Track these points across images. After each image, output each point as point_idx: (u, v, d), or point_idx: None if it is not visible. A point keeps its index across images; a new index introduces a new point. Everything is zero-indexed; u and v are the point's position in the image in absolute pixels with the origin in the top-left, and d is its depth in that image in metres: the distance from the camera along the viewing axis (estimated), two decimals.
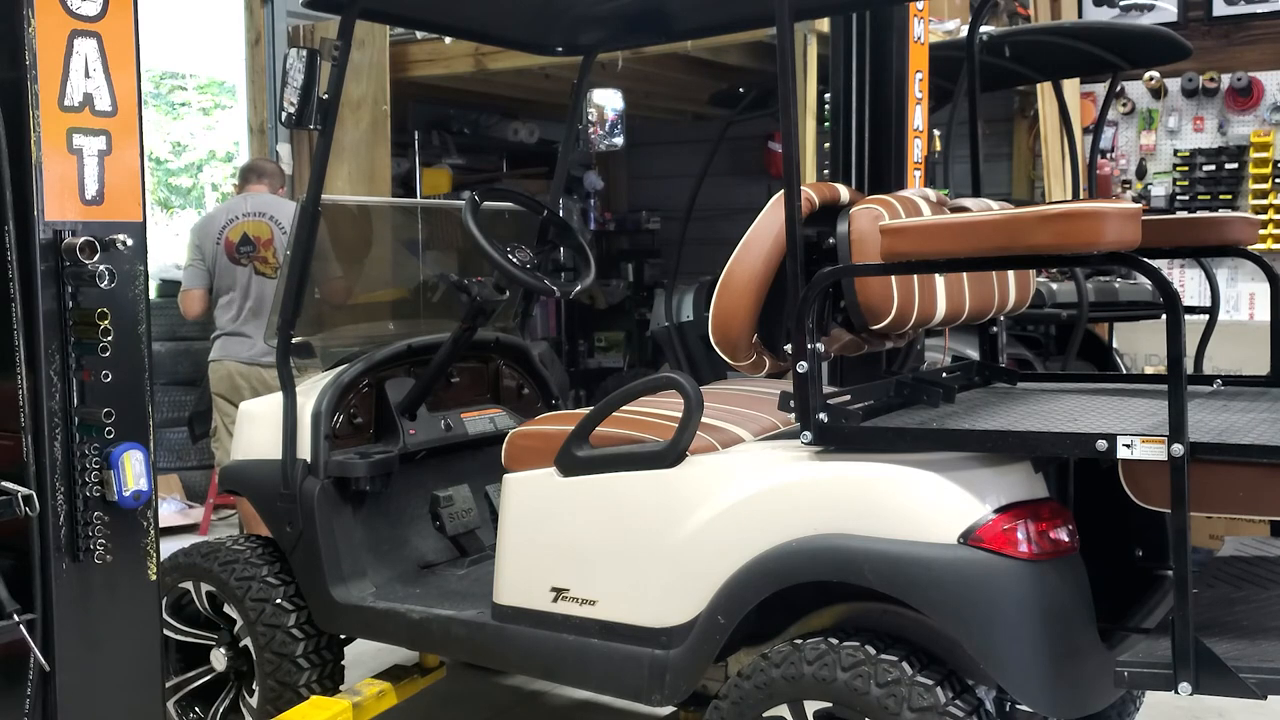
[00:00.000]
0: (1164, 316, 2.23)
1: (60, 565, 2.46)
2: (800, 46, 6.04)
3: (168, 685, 3.51)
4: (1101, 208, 2.26)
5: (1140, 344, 8.12)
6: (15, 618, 2.38)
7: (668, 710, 3.06)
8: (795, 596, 2.67)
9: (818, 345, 2.61)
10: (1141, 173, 9.18)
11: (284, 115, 3.30)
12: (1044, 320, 5.96)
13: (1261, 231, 8.50)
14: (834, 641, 2.53)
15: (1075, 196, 6.62)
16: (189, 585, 3.61)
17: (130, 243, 2.50)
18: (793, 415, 2.65)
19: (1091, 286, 5.97)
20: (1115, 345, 6.91)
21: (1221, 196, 8.85)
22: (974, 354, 3.65)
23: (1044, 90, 7.69)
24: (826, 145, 4.75)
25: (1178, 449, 2.23)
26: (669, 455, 2.79)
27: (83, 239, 2.39)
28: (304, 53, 3.26)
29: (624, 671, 2.83)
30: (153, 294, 3.92)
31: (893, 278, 2.80)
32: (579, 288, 3.74)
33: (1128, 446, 2.30)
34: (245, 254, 5.51)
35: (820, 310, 2.77)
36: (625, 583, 2.85)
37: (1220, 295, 5.27)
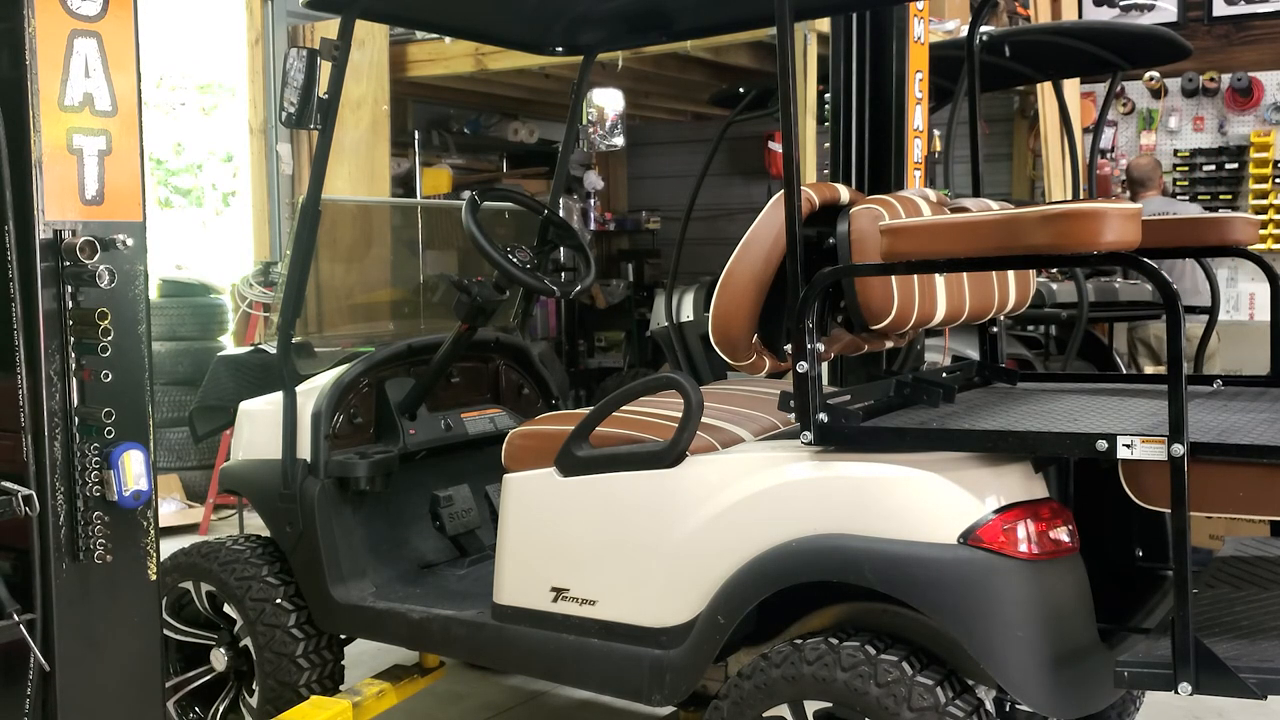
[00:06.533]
0: (1164, 316, 2.23)
1: (60, 565, 2.46)
2: (800, 46, 6.05)
3: (168, 685, 3.51)
4: (1101, 208, 2.26)
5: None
6: (15, 618, 2.38)
7: (668, 710, 3.07)
8: (795, 596, 2.67)
9: (818, 345, 2.61)
10: None
11: (284, 115, 3.29)
12: (1044, 320, 5.97)
13: (1261, 231, 8.51)
14: (834, 641, 2.53)
15: (1075, 196, 6.63)
16: (189, 585, 3.61)
17: (130, 243, 2.50)
18: (793, 415, 2.65)
19: (1091, 286, 5.98)
20: (1115, 345, 6.92)
21: (1221, 196, 8.86)
22: (974, 354, 3.65)
23: (1044, 90, 7.69)
24: (826, 145, 4.74)
25: (1178, 449, 2.23)
26: (669, 455, 2.79)
27: (83, 239, 2.39)
28: (304, 53, 3.26)
29: (624, 671, 2.83)
30: (153, 294, 3.91)
31: (893, 278, 2.80)
32: (579, 288, 3.74)
33: (1128, 446, 2.30)
34: None
35: (820, 310, 2.77)
36: (625, 583, 2.85)
37: (1220, 295, 5.27)
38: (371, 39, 7.21)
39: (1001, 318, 3.40)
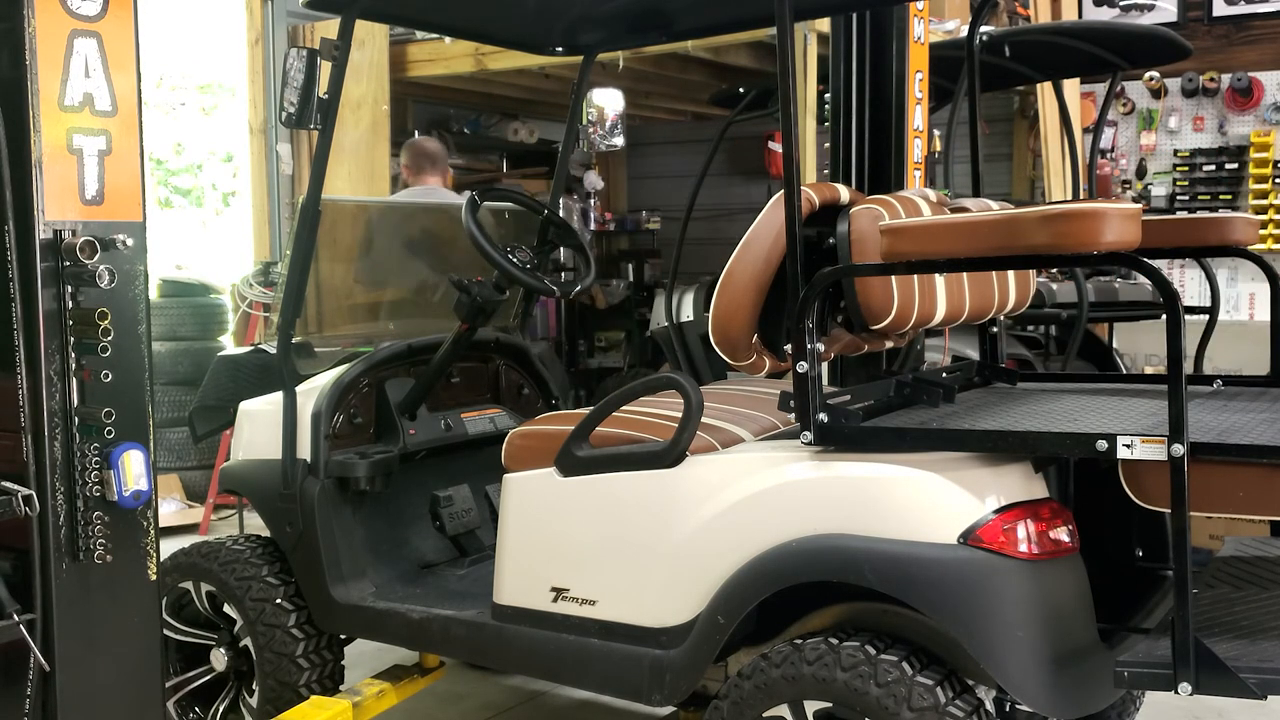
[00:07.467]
0: (1164, 316, 2.23)
1: (60, 565, 2.46)
2: (800, 46, 6.04)
3: (168, 685, 3.51)
4: (1101, 208, 2.26)
5: (1140, 344, 8.13)
6: (15, 618, 2.38)
7: (668, 710, 3.07)
8: (795, 596, 2.67)
9: (818, 345, 2.61)
10: (1141, 173, 9.18)
11: (284, 115, 3.29)
12: (1044, 320, 5.97)
13: (1261, 231, 8.51)
14: (834, 641, 2.53)
15: (1075, 196, 6.62)
16: (189, 585, 3.61)
17: (130, 243, 2.50)
18: (793, 415, 2.65)
19: (1091, 286, 5.97)
20: (1115, 345, 6.91)
21: (1221, 196, 8.86)
22: (974, 354, 3.65)
23: (1044, 90, 7.69)
24: (826, 145, 4.74)
25: (1178, 449, 2.23)
26: (669, 455, 2.79)
27: (83, 239, 2.39)
28: (304, 53, 3.26)
29: (624, 671, 2.83)
30: (153, 294, 3.91)
31: (893, 278, 2.80)
32: (579, 288, 3.74)
33: (1128, 446, 2.30)
34: None
35: (820, 310, 2.78)
36: (625, 583, 2.85)
37: (1220, 295, 5.27)
38: (371, 39, 7.21)
39: (1001, 318, 3.40)
